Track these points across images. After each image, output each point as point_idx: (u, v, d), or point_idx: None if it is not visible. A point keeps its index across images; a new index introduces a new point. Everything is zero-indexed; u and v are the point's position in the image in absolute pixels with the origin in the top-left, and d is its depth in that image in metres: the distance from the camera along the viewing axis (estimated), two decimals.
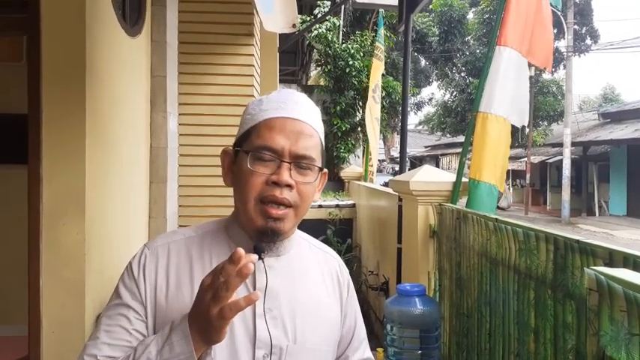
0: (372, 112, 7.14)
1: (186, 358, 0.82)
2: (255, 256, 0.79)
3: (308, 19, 10.00)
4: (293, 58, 12.42)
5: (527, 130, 19.64)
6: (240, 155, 0.97)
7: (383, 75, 7.99)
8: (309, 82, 12.74)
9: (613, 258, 1.33)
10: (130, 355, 0.87)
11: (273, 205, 0.92)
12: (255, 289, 0.96)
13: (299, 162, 0.95)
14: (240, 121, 1.02)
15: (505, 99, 2.84)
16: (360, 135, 9.92)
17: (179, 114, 3.40)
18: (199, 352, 0.84)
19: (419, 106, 26.67)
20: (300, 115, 0.97)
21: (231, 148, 1.02)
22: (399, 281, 3.48)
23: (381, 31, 7.35)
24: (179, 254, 0.98)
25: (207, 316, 0.80)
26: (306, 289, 1.03)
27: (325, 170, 1.05)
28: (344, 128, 9.75)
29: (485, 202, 2.79)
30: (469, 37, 22.10)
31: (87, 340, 0.93)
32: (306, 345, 0.98)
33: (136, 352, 0.87)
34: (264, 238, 0.95)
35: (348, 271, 1.17)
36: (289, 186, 0.93)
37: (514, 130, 3.04)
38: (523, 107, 2.94)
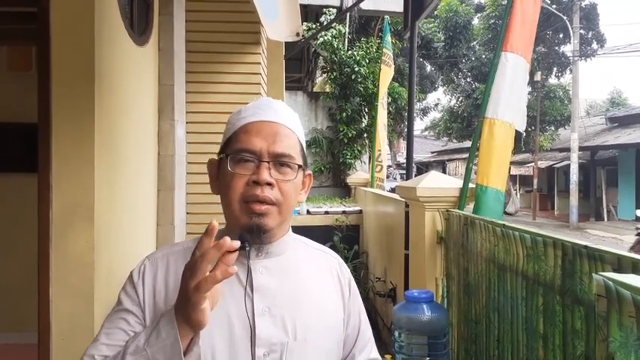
0: (381, 119, 7.13)
1: (172, 343, 0.83)
2: (237, 243, 0.81)
3: (314, 26, 10.05)
4: (299, 66, 12.46)
5: (523, 134, 19.57)
6: (222, 161, 1.02)
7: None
8: (315, 89, 12.78)
9: (621, 264, 1.32)
10: (122, 349, 0.89)
11: (256, 202, 0.96)
12: (252, 289, 0.98)
13: (278, 160, 0.98)
14: (223, 133, 1.07)
15: (511, 105, 2.85)
16: (367, 141, 9.92)
17: (186, 122, 3.42)
18: (186, 339, 0.84)
19: (425, 111, 26.62)
20: (275, 118, 1.02)
21: (215, 158, 1.06)
22: (406, 288, 3.47)
23: (388, 37, 7.36)
24: (177, 263, 1.01)
25: (186, 292, 0.81)
26: (304, 287, 1.04)
27: (309, 172, 1.09)
28: (350, 135, 9.76)
29: (492, 208, 2.79)
30: (475, 43, 22.08)
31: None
32: (308, 342, 0.99)
33: (127, 343, 0.89)
34: (251, 236, 0.97)
35: (348, 270, 1.17)
36: (270, 184, 0.96)
37: (519, 134, 3.06)
38: (524, 111, 2.96)
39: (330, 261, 1.14)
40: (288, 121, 1.03)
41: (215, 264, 0.80)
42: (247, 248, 0.91)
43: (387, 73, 7.22)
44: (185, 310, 0.82)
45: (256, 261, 1.01)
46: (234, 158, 0.98)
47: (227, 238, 0.80)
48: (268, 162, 0.97)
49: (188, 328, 0.84)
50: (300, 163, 1.02)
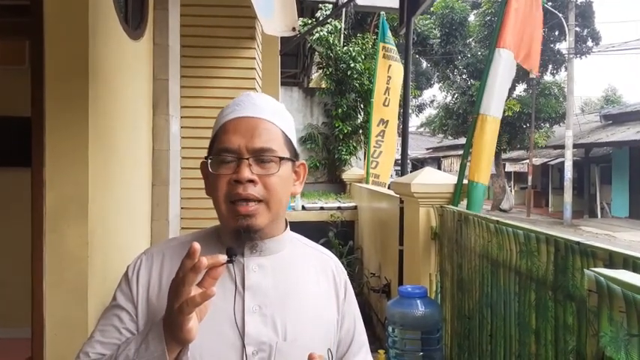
0: (391, 117, 7.06)
1: (159, 356, 0.84)
2: (223, 257, 0.81)
3: (309, 21, 10.02)
4: (294, 61, 12.42)
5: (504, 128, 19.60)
6: (207, 164, 1.00)
7: None
8: (311, 85, 12.75)
9: (613, 259, 1.33)
10: (114, 353, 0.90)
11: (242, 202, 0.95)
12: (244, 287, 0.98)
13: (258, 156, 0.97)
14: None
15: (500, 100, 2.89)
16: (362, 137, 9.92)
17: (181, 117, 3.41)
18: (173, 353, 0.85)
19: (420, 108, 26.60)
20: (254, 112, 1.00)
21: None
22: (400, 283, 3.49)
23: (389, 33, 7.29)
24: (173, 259, 1.01)
25: (171, 312, 0.82)
26: (298, 287, 1.03)
27: (302, 162, 1.07)
28: (345, 131, 9.75)
29: (478, 201, 2.84)
30: (470, 40, 22.06)
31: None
32: (298, 343, 0.98)
33: (118, 349, 0.90)
34: (241, 237, 0.97)
35: (345, 272, 1.16)
36: (252, 181, 0.95)
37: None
38: (502, 102, 3.00)
39: (326, 261, 1.13)
40: (268, 114, 1.00)
41: (202, 277, 0.81)
42: (233, 261, 0.89)
43: (398, 71, 6.98)
44: (171, 328, 0.83)
45: (250, 258, 1.00)
46: (215, 160, 0.98)
47: (203, 259, 0.79)
48: (248, 159, 0.95)
49: (175, 343, 0.84)
50: (284, 155, 0.99)
